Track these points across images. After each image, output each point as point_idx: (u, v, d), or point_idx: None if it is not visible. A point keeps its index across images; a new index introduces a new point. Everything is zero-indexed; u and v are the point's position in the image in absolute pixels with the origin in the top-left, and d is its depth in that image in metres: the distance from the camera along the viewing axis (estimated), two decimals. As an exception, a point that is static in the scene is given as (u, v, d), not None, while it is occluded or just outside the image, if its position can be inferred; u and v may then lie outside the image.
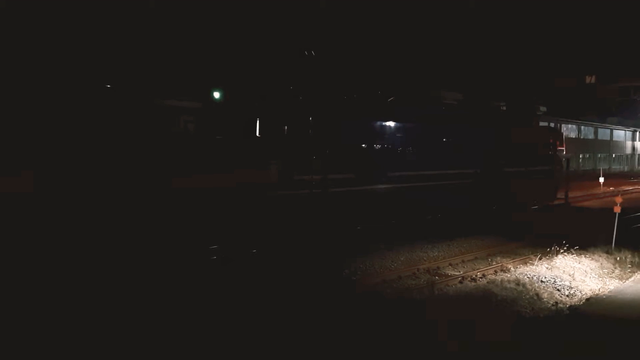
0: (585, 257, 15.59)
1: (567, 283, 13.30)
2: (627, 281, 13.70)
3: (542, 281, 13.24)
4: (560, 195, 27.37)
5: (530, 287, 12.67)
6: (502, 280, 13.08)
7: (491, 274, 14.02)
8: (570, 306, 11.67)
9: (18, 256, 10.56)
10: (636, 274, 14.36)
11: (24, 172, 10.90)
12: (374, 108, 19.00)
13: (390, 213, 18.09)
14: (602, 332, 9.72)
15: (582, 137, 63.10)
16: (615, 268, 15.03)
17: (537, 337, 9.54)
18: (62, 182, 11.21)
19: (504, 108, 27.22)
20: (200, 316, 9.68)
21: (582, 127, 63.32)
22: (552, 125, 43.35)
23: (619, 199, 17.07)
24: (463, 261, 15.60)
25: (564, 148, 27.75)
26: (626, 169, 71.75)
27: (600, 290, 13.05)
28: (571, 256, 15.47)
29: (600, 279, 14.11)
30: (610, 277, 14.32)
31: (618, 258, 15.63)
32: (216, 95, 13.91)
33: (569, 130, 58.72)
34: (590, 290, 13.09)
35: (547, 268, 14.28)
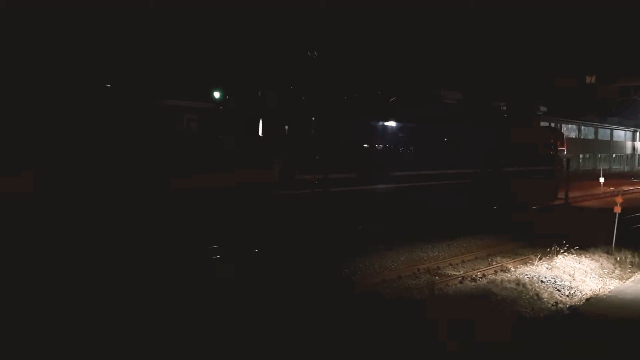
0: (585, 257, 15.59)
1: (567, 283, 13.29)
2: (627, 281, 13.70)
3: (542, 281, 13.23)
4: (561, 195, 27.38)
5: (530, 287, 12.67)
6: (502, 280, 13.08)
7: (491, 274, 14.02)
8: (571, 306, 11.67)
9: (18, 256, 10.56)
10: (636, 274, 14.36)
11: (24, 172, 10.90)
12: (375, 108, 19.01)
13: (391, 213, 18.09)
14: (602, 332, 9.72)
15: (582, 137, 63.11)
16: (615, 268, 15.03)
17: (537, 337, 9.54)
18: (62, 182, 11.21)
19: (504, 108, 27.23)
20: (201, 316, 9.68)
21: (582, 127, 63.32)
22: (552, 125, 43.35)
23: (619, 199, 17.06)
24: (463, 261, 15.60)
25: (564, 148, 27.75)
26: (626, 169, 71.74)
27: (601, 290, 13.04)
28: (571, 256, 15.46)
29: (600, 279, 14.10)
30: (610, 277, 14.32)
31: (618, 258, 15.63)
32: (218, 95, 13.91)
33: (569, 130, 58.71)
34: (591, 290, 13.08)
35: (547, 268, 14.28)
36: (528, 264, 14.77)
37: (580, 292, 12.90)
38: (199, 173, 13.04)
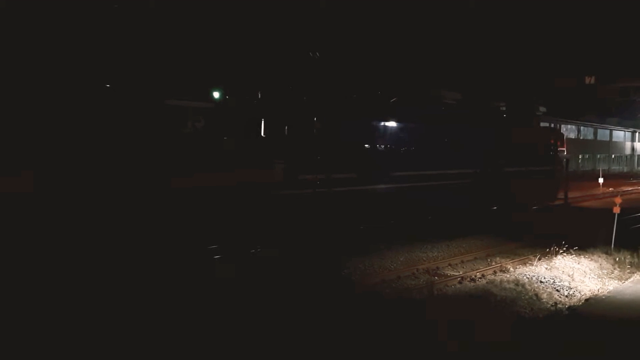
0: (584, 257, 15.61)
1: (566, 283, 13.31)
2: (626, 282, 13.72)
3: (541, 282, 13.25)
4: (560, 195, 27.40)
5: (529, 287, 12.68)
6: (501, 281, 13.10)
7: (490, 274, 14.04)
8: (570, 307, 11.69)
9: (19, 256, 10.57)
10: (635, 274, 14.39)
11: (24, 172, 10.91)
12: (375, 108, 19.03)
13: (390, 213, 18.11)
14: (602, 333, 9.74)
15: (581, 138, 63.14)
16: (614, 269, 15.05)
17: (537, 338, 9.56)
18: (61, 183, 11.22)
19: (504, 108, 27.26)
20: (201, 315, 9.69)
21: (582, 127, 63.35)
22: (551, 125, 43.39)
23: (618, 200, 17.09)
24: (462, 261, 15.62)
25: (564, 149, 27.77)
26: (625, 169, 71.78)
27: (600, 290, 13.06)
28: (570, 257, 15.48)
29: (599, 279, 14.12)
30: (609, 277, 14.34)
31: (617, 259, 15.65)
32: (217, 95, 13.92)
33: (568, 130, 58.73)
34: (590, 290, 13.10)
35: (546, 268, 14.29)
36: (527, 265, 14.78)
37: (580, 292, 12.92)
38: (200, 172, 13.06)
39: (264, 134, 14.54)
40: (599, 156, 66.58)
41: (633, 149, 76.81)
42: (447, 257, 15.89)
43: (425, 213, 19.45)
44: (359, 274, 13.76)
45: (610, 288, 13.17)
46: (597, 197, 33.25)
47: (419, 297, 11.80)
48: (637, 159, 77.73)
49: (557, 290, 12.90)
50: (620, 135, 73.22)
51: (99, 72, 13.91)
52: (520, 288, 12.57)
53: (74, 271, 10.83)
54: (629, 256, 15.77)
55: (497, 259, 15.80)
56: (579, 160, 60.65)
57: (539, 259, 15.03)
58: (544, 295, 12.38)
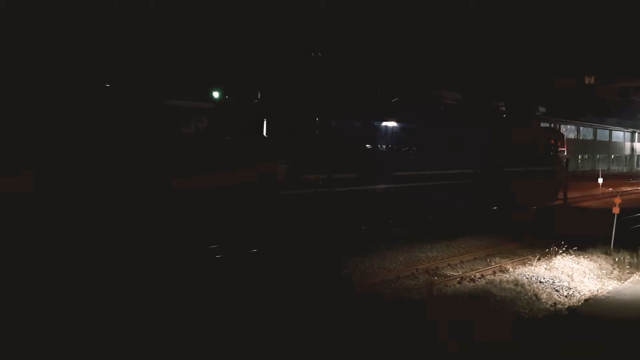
0: (583, 257, 15.62)
1: (565, 284, 13.32)
2: (625, 282, 13.74)
3: (540, 282, 13.27)
4: (560, 195, 27.41)
5: (528, 287, 12.70)
6: (500, 281, 13.11)
7: (490, 274, 14.05)
8: (569, 307, 11.70)
9: (19, 256, 10.58)
10: (634, 274, 14.40)
11: (24, 172, 10.91)
12: (376, 108, 19.04)
13: (391, 213, 18.12)
14: (601, 333, 9.76)
15: (581, 138, 63.19)
16: (613, 269, 15.06)
17: (536, 338, 9.57)
18: (61, 182, 11.22)
19: (503, 108, 27.25)
20: (201, 315, 9.71)
21: (581, 127, 63.41)
22: (551, 125, 43.40)
23: (617, 200, 17.11)
24: (462, 262, 15.63)
25: (565, 149, 27.76)
26: (625, 169, 71.82)
27: (599, 291, 13.07)
28: (570, 257, 15.50)
29: (598, 279, 14.13)
30: (608, 278, 14.35)
31: (616, 259, 15.66)
32: (217, 95, 13.93)
33: (567, 130, 58.79)
34: (589, 291, 13.11)
35: (545, 269, 14.31)
36: (527, 265, 14.80)
37: (579, 292, 12.93)
38: (201, 173, 13.06)
39: (266, 134, 14.54)
40: (598, 156, 66.64)
41: (632, 149, 76.87)
42: (447, 257, 15.90)
43: (425, 213, 19.46)
44: (359, 273, 13.78)
45: (610, 288, 13.19)
46: (596, 197, 33.28)
47: (418, 297, 11.81)
48: (637, 159, 77.81)
49: (557, 290, 12.91)
50: (619, 135, 73.28)
51: (99, 71, 13.91)
52: (519, 288, 12.59)
53: (74, 271, 10.84)
54: (628, 256, 15.78)
55: (497, 259, 15.80)
56: (579, 161, 60.70)
57: (539, 259, 15.05)
58: (544, 296, 12.39)
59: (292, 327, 9.31)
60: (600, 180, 35.25)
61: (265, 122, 14.46)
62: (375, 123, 18.16)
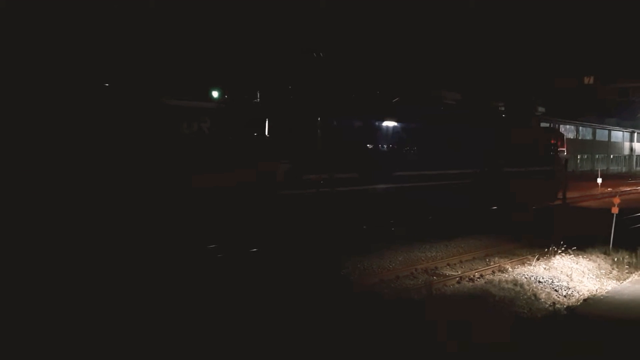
0: (582, 257, 15.65)
1: (564, 284, 13.35)
2: (624, 282, 13.76)
3: (539, 282, 13.29)
4: (559, 195, 27.44)
5: (527, 287, 12.73)
6: (499, 281, 13.14)
7: (489, 274, 14.07)
8: (568, 307, 11.72)
9: (19, 256, 10.61)
10: (633, 274, 14.43)
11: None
12: (376, 108, 19.07)
13: (391, 212, 18.15)
14: (600, 333, 9.79)
15: (580, 138, 63.22)
16: (612, 269, 15.08)
17: (535, 338, 9.60)
18: (60, 182, 11.26)
19: (502, 108, 27.27)
20: (200, 315, 9.73)
21: (580, 127, 63.43)
22: (550, 125, 43.42)
23: (616, 200, 17.14)
24: (461, 261, 15.66)
25: (565, 149, 27.78)
26: (624, 170, 71.86)
27: (598, 291, 13.09)
28: (569, 257, 15.52)
29: (597, 279, 14.16)
30: (607, 277, 14.37)
31: (615, 259, 15.69)
32: (217, 94, 13.94)
33: (567, 130, 58.83)
34: (588, 290, 13.14)
35: (544, 268, 14.34)
36: (526, 265, 14.83)
37: (578, 292, 12.95)
38: (201, 173, 13.08)
39: (267, 134, 14.56)
40: (597, 156, 66.67)
41: (631, 149, 76.91)
42: (446, 257, 15.92)
43: (425, 213, 19.49)
44: (358, 273, 13.81)
45: (609, 288, 13.21)
46: (595, 197, 33.32)
47: (417, 297, 11.84)
48: (636, 159, 77.83)
49: (556, 290, 12.94)
50: (618, 135, 73.32)
51: (98, 71, 13.92)
52: (518, 288, 12.62)
53: (74, 271, 10.86)
54: (627, 256, 15.81)
55: (496, 259, 15.84)
56: (578, 161, 60.73)
57: (538, 259, 15.08)
58: (543, 296, 12.42)
59: (291, 327, 9.34)
60: (599, 180, 35.33)
61: (267, 121, 14.47)
62: (376, 123, 18.19)
